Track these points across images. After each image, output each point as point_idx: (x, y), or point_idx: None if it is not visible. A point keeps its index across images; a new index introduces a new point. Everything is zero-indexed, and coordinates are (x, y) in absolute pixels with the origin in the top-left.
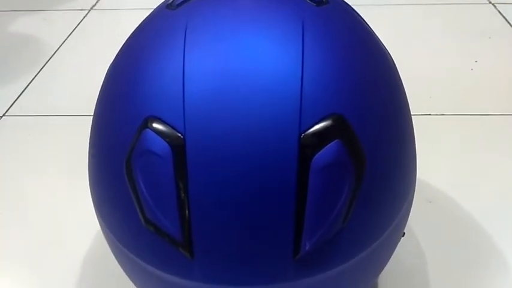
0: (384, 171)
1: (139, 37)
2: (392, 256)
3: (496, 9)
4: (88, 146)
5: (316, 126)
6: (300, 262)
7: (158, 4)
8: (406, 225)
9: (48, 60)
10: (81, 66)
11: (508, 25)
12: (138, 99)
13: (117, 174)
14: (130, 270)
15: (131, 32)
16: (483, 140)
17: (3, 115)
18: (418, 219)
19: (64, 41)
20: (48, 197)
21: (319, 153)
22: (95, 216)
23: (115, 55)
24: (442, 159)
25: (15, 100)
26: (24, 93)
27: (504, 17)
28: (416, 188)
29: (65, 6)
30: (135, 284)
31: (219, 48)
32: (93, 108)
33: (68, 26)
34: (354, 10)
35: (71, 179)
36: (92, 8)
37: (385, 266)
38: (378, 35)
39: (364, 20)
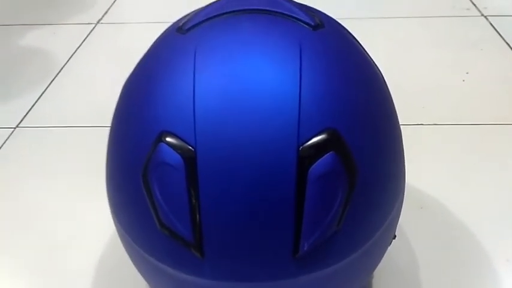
0: (375, 179)
1: (153, 58)
2: (386, 257)
3: (488, 21)
4: (106, 156)
5: (313, 140)
6: (299, 261)
7: (160, 20)
8: (399, 229)
9: (58, 73)
10: (90, 78)
11: (500, 37)
12: (153, 115)
13: (134, 183)
14: (144, 270)
15: (136, 45)
16: (474, 148)
17: (17, 126)
18: (410, 223)
19: (73, 54)
20: (61, 204)
21: (316, 163)
22: (107, 221)
23: (129, 73)
24: (433, 167)
25: (28, 112)
26: (36, 105)
27: (495, 29)
28: (408, 194)
29: (73, 20)
30: (149, 282)
31: (226, 70)
32: (102, 120)
33: (76, 39)
34: (348, 32)
35: (82, 186)
36: (98, 22)
37: (377, 264)
38: (373, 46)
39: (357, 41)
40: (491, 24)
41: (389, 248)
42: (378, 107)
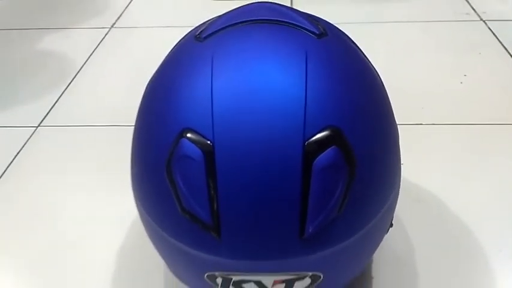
0: (372, 171)
1: (174, 63)
2: (384, 245)
3: (487, 25)
4: (131, 151)
5: (317, 136)
6: (304, 241)
7: (171, 25)
8: (398, 220)
9: (76, 75)
10: (106, 80)
11: (497, 41)
12: (175, 114)
13: (159, 173)
14: (166, 250)
15: (149, 48)
16: (470, 147)
17: (39, 125)
18: (408, 216)
19: (89, 57)
20: (81, 197)
21: (319, 157)
22: (126, 213)
23: (151, 76)
24: (431, 163)
25: (48, 111)
26: (55, 105)
27: (494, 34)
28: (406, 188)
29: (87, 24)
30: (168, 262)
31: (240, 74)
32: (119, 119)
33: (92, 42)
34: (350, 39)
35: (101, 181)
36: (112, 26)
37: (375, 249)
38: (375, 50)
39: (358, 48)
40: (489, 28)
41: (387, 236)
42: (376, 107)
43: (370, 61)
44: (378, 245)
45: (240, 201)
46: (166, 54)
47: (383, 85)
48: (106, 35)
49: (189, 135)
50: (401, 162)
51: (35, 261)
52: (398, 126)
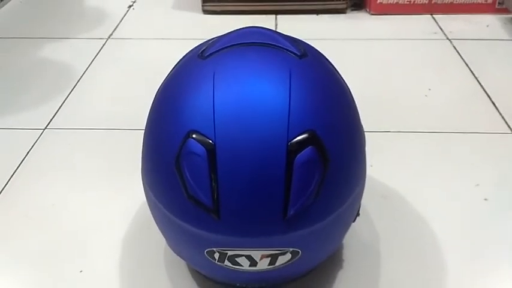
0: (341, 166)
1: (180, 77)
2: (353, 234)
3: (452, 44)
4: (142, 149)
5: (298, 138)
6: (287, 222)
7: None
8: (365, 213)
9: (78, 81)
10: (106, 86)
11: (460, 58)
12: (183, 118)
13: (169, 167)
14: (171, 231)
15: (143, 58)
16: (431, 151)
17: (46, 128)
18: (375, 210)
19: (89, 65)
20: (86, 194)
21: (300, 154)
22: (129, 207)
23: (159, 86)
24: (396, 165)
25: (54, 115)
26: (60, 109)
27: (457, 52)
28: (374, 186)
29: (86, 35)
30: (172, 242)
31: (236, 87)
32: (119, 123)
33: (91, 52)
34: (326, 59)
35: (104, 179)
36: (109, 37)
37: (345, 231)
38: (351, 65)
39: (333, 66)
40: (454, 46)
41: (356, 226)
42: (345, 115)
43: (342, 77)
44: (347, 229)
45: (236, 189)
46: (172, 68)
47: (352, 97)
48: (104, 45)
49: (194, 135)
50: (371, 164)
51: (45, 252)
52: (370, 133)
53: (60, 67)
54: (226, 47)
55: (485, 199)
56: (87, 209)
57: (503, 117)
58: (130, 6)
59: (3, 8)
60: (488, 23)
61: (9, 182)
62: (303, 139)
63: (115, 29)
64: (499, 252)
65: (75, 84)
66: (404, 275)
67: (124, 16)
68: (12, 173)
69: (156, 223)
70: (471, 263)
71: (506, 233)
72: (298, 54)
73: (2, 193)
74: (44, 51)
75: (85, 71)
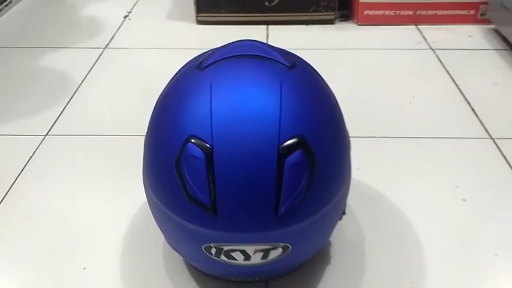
0: (328, 168)
1: (179, 86)
2: (340, 233)
3: (435, 53)
4: (144, 152)
5: (288, 142)
6: (278, 219)
7: (157, 46)
8: (352, 214)
9: (77, 90)
10: (104, 94)
11: (443, 67)
12: (183, 124)
13: (170, 168)
14: (171, 228)
15: (139, 66)
16: (415, 155)
17: (47, 134)
18: (361, 210)
19: (87, 74)
20: (87, 197)
21: (289, 157)
22: (125, 208)
23: (160, 94)
24: (381, 168)
25: (54, 122)
26: (60, 116)
27: (440, 61)
28: (361, 188)
29: (83, 44)
30: (171, 239)
31: (232, 96)
32: (116, 129)
33: (89, 61)
34: (314, 70)
35: (103, 182)
36: (106, 47)
37: (332, 228)
38: (339, 73)
39: (320, 76)
40: (437, 56)
41: (343, 225)
42: (331, 122)
43: (329, 87)
44: (333, 226)
45: (231, 189)
46: (171, 78)
47: (338, 105)
48: (101, 54)
49: (193, 140)
50: (358, 167)
51: (49, 250)
52: (357, 138)
53: (59, 76)
54: (222, 59)
55: (464, 200)
56: (89, 210)
57: (482, 123)
58: (126, 17)
59: (1, 18)
60: (470, 33)
61: (14, 184)
62: (293, 143)
63: (111, 38)
64: (477, 248)
65: (74, 92)
66: (388, 271)
67: (120, 26)
68: (16, 177)
69: (156, 221)
70: (450, 259)
71: (483, 231)
72: (288, 65)
73: (7, 195)
74: (43, 61)
75: (83, 80)
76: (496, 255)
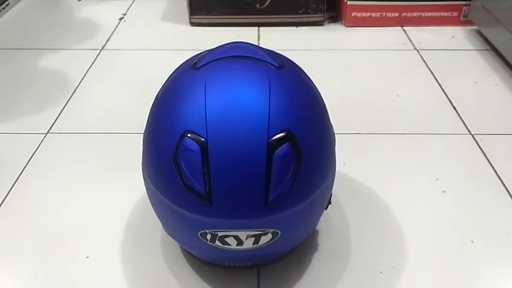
0: (313, 160)
1: (176, 85)
2: (327, 222)
3: (419, 54)
4: (143, 145)
5: (276, 136)
6: (267, 206)
7: (152, 48)
8: (338, 205)
9: (75, 89)
10: (101, 94)
11: (426, 67)
12: (180, 120)
13: (168, 161)
14: (168, 216)
15: (134, 67)
16: (398, 151)
17: (48, 132)
18: (347, 201)
19: (85, 74)
20: (87, 192)
21: (278, 150)
22: (124, 201)
23: (157, 92)
24: (367, 163)
25: (55, 121)
26: (60, 115)
27: (424, 61)
28: (346, 181)
29: (80, 46)
30: (168, 226)
31: (224, 94)
32: (114, 127)
33: (86, 62)
34: (301, 70)
35: (104, 178)
36: (102, 48)
37: (318, 216)
38: (328, 73)
39: (307, 76)
40: (421, 56)
41: (330, 215)
42: (317, 118)
43: (315, 85)
44: (320, 214)
45: (225, 179)
46: (168, 77)
47: (323, 102)
48: (98, 55)
49: (189, 135)
50: (344, 162)
51: (54, 241)
52: (343, 134)
53: (58, 76)
54: (215, 60)
55: (443, 191)
56: (91, 203)
57: (462, 120)
58: (121, 19)
59: None
60: (453, 34)
61: (18, 179)
62: (281, 137)
63: (108, 40)
64: (454, 235)
65: (73, 92)
66: (371, 257)
67: (116, 28)
68: (20, 172)
69: (155, 210)
70: (429, 245)
71: (460, 220)
72: (277, 65)
73: (11, 190)
74: (42, 62)
75: (81, 80)
76: (472, 241)
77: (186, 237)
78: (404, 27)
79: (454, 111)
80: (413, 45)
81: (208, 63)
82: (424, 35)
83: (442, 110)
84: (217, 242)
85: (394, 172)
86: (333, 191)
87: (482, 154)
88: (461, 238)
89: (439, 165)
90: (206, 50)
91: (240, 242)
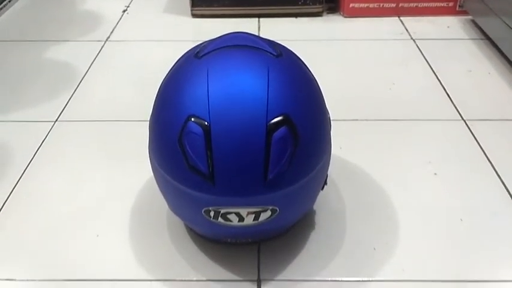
0: (309, 142)
1: (180, 73)
2: (323, 202)
3: (415, 43)
4: (149, 129)
5: (275, 119)
6: (267, 184)
7: (154, 39)
8: (335, 186)
9: (82, 79)
10: (107, 83)
11: (422, 56)
12: (184, 105)
13: (173, 143)
14: (174, 195)
15: (138, 58)
16: (393, 136)
17: (56, 120)
18: (343, 183)
19: (91, 64)
20: (97, 174)
21: (276, 132)
22: (131, 184)
23: (162, 80)
24: (364, 147)
25: (63, 109)
26: (68, 104)
27: (420, 50)
28: (343, 165)
29: (85, 37)
30: (173, 205)
31: (226, 81)
32: (120, 115)
33: (91, 53)
34: (299, 58)
35: (114, 161)
36: (107, 40)
37: (314, 196)
38: (326, 62)
39: (304, 64)
40: (417, 46)
41: (326, 196)
42: (313, 103)
43: (311, 72)
44: (316, 193)
45: (226, 160)
46: (172, 66)
47: (319, 88)
48: (102, 47)
49: (193, 119)
50: (341, 147)
51: (66, 222)
52: (341, 121)
53: (64, 67)
54: (217, 49)
55: (435, 174)
56: (98, 187)
57: (455, 106)
58: (124, 11)
59: (4, 13)
60: (449, 24)
61: (29, 165)
62: (279, 121)
63: (112, 32)
64: (444, 215)
65: (80, 82)
66: (366, 234)
67: (119, 20)
68: (31, 158)
69: (161, 191)
70: (421, 222)
71: (450, 200)
72: (275, 54)
73: (23, 175)
74: (47, 53)
75: (87, 70)
76: (461, 220)
77: (191, 215)
78: (401, 18)
79: (448, 98)
80: (410, 35)
81: (210, 52)
82: (421, 25)
83: (436, 97)
84: (220, 219)
85: (389, 156)
86: (329, 173)
87: (473, 138)
88: (450, 217)
89: (432, 149)
90: (208, 40)
91: (241, 219)
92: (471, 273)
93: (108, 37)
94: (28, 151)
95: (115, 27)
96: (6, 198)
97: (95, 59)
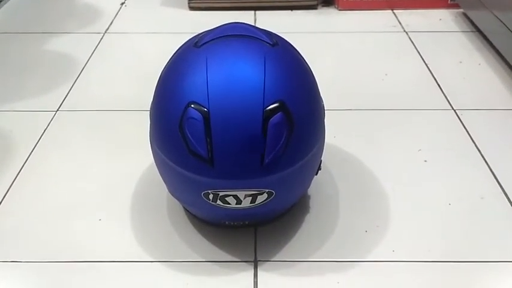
0: (303, 128)
1: (180, 61)
2: (318, 188)
3: (408, 36)
4: (150, 116)
5: (271, 106)
6: (264, 168)
7: (153, 31)
8: (328, 173)
9: (82, 71)
10: (106, 74)
11: (414, 48)
12: (184, 92)
13: (174, 129)
14: (174, 179)
15: (136, 49)
16: (384, 125)
17: (57, 110)
18: (336, 170)
19: (90, 56)
20: (99, 162)
21: (272, 118)
22: (132, 172)
23: (163, 67)
24: (355, 135)
25: (63, 100)
26: (68, 94)
27: (412, 42)
28: (336, 152)
29: (84, 30)
30: (173, 188)
31: (224, 68)
32: (119, 105)
33: (90, 44)
34: (294, 48)
35: (114, 149)
36: (106, 32)
37: (308, 180)
38: (321, 53)
39: (299, 53)
40: (409, 38)
41: (320, 181)
42: (307, 90)
43: (306, 61)
44: (310, 178)
45: (225, 144)
46: (172, 55)
47: (313, 76)
48: (102, 39)
49: (193, 105)
50: (335, 136)
51: (69, 207)
52: (335, 110)
53: (64, 58)
54: (215, 38)
55: (425, 161)
56: (100, 174)
57: (445, 96)
58: (122, 4)
59: (4, 5)
60: (441, 17)
61: (32, 153)
62: (275, 107)
63: (110, 24)
64: (433, 199)
65: (80, 73)
66: (358, 218)
67: (117, 13)
68: (33, 147)
69: (162, 176)
70: (411, 207)
71: (439, 185)
72: (271, 43)
73: (26, 163)
74: (47, 45)
75: (87, 62)
76: (449, 204)
77: (191, 198)
78: (394, 11)
79: (439, 89)
80: (403, 28)
81: (209, 41)
82: (413, 17)
83: (428, 88)
84: (219, 201)
85: (381, 144)
86: (323, 160)
87: (462, 127)
88: (439, 201)
89: (423, 137)
90: (206, 30)
91: (238, 201)
92: (458, 254)
93: (107, 29)
94: (30, 140)
95: (113, 19)
96: (9, 185)
97: (94, 50)
